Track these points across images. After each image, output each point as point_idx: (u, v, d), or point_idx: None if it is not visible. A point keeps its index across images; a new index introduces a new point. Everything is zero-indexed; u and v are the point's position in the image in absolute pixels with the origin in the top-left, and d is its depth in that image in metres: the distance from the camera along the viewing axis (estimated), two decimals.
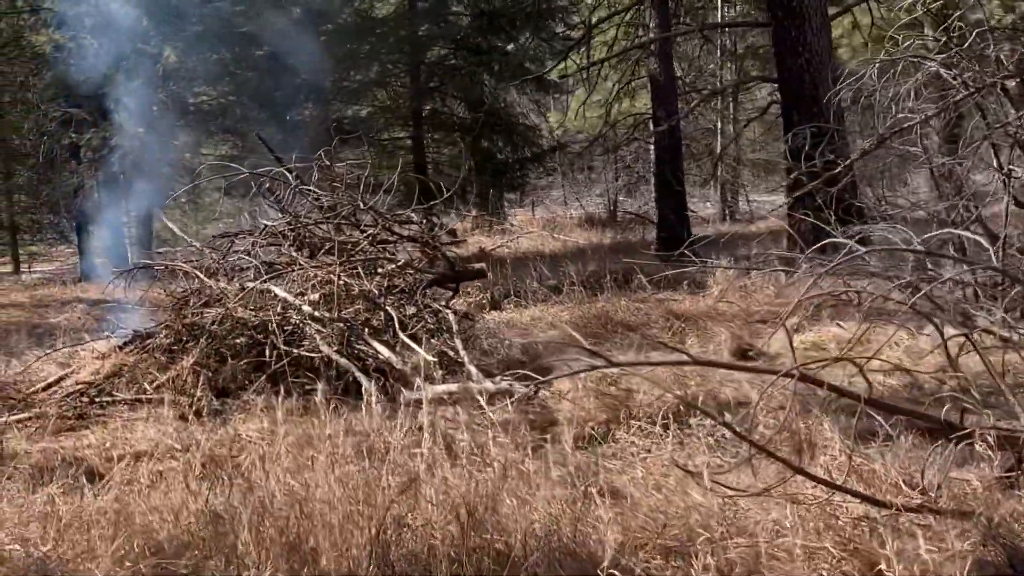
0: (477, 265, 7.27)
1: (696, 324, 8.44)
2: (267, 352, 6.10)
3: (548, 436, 4.61)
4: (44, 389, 6.47)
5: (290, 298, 6.14)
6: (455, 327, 6.19)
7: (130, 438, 5.46)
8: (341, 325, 5.91)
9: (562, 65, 16.16)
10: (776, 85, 13.05)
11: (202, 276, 6.54)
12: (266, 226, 7.03)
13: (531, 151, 18.54)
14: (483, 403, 5.38)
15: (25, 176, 18.42)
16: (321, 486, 3.49)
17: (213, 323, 6.09)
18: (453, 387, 5.57)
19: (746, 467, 3.56)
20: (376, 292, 6.23)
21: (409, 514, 3.42)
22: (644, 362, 5.56)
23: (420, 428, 4.57)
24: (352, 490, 3.46)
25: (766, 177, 23.96)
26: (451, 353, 6.11)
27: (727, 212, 23.01)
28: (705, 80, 19.18)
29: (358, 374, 5.72)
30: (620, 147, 17.30)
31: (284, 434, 4.25)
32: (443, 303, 6.82)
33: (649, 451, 4.52)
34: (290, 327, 6.22)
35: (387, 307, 6.17)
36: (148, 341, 6.44)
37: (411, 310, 6.57)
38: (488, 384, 5.52)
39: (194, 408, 5.72)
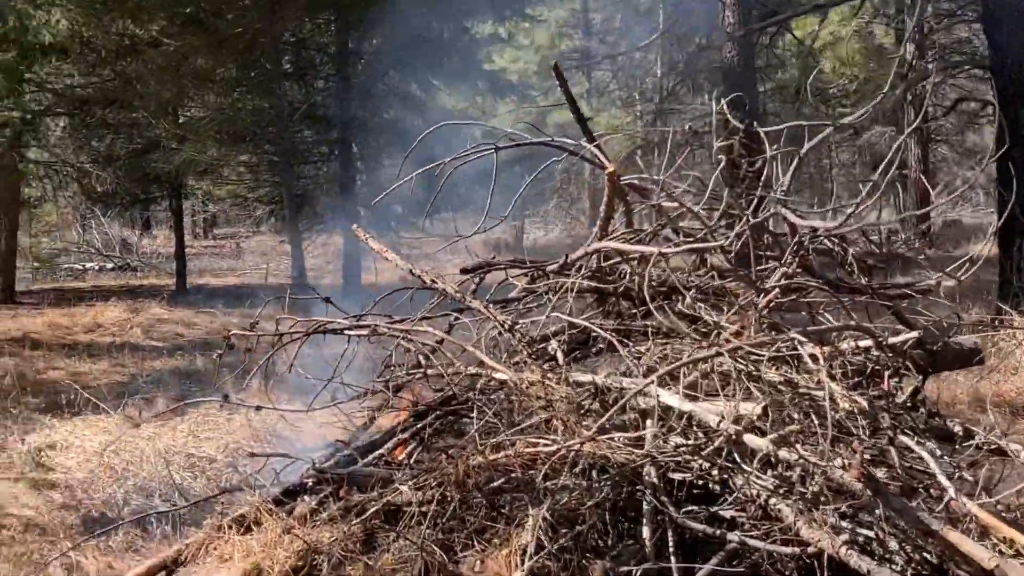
0: (965, 339, 3.75)
1: None
2: (647, 531, 2.73)
3: None
4: None
5: (711, 418, 2.79)
6: None
7: None
8: (856, 475, 2.60)
9: None
10: None
11: (491, 362, 3.10)
12: (589, 254, 3.55)
13: None
14: None
15: None
16: None
17: (549, 475, 2.66)
18: None
19: None
20: (868, 406, 2.93)
21: None
22: None
23: None
24: None
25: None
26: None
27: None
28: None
29: None
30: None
31: None
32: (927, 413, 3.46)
33: None
34: (684, 474, 2.86)
35: (901, 436, 2.91)
36: (354, 495, 2.94)
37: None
38: None
39: None
